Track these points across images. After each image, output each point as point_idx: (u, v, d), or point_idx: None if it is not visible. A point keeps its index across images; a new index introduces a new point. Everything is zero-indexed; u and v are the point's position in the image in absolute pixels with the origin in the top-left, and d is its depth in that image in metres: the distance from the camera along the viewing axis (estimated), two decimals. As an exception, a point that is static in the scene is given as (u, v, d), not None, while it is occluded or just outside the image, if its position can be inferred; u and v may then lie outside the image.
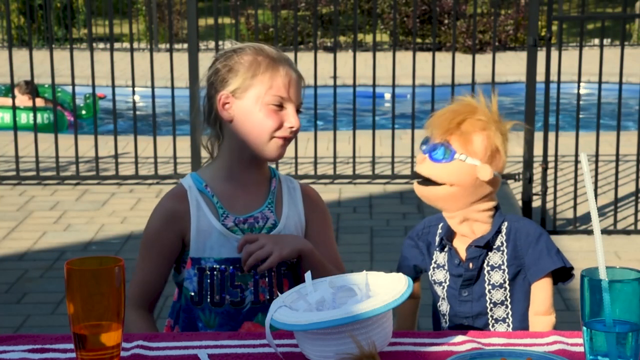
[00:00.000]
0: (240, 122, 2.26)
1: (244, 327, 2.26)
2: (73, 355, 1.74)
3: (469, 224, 2.28)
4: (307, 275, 1.95)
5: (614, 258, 5.36)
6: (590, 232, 5.71)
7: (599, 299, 1.58)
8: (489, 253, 2.28)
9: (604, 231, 5.78)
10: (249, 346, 1.88)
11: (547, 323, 2.26)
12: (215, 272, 2.25)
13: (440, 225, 2.35)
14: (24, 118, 9.60)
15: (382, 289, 1.85)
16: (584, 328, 1.60)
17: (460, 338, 1.90)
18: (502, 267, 2.27)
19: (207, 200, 2.28)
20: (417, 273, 2.39)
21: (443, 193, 2.24)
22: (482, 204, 2.26)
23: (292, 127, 2.26)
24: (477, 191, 2.24)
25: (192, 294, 2.27)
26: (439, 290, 2.33)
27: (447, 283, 2.31)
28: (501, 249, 2.28)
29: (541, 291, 2.27)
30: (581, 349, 1.79)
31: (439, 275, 2.33)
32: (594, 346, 1.59)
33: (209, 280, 2.26)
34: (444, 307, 2.33)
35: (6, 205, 6.57)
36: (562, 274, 2.29)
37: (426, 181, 2.26)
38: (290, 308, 1.85)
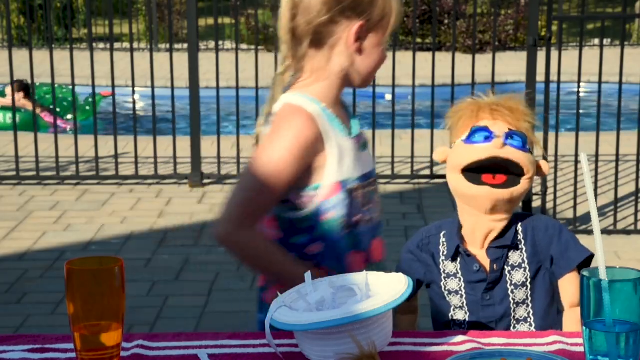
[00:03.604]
0: (366, 55, 2.17)
1: (373, 244, 2.23)
2: (73, 355, 1.74)
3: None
4: (307, 275, 1.95)
5: (614, 258, 5.36)
6: (590, 232, 5.71)
7: (599, 299, 1.58)
8: (508, 253, 2.25)
9: (604, 231, 5.79)
10: (249, 346, 1.88)
11: None
12: (357, 192, 2.18)
13: (442, 234, 2.30)
14: (1, 117, 9.69)
15: (382, 289, 1.85)
16: (584, 328, 1.60)
17: (460, 338, 1.90)
18: (523, 265, 2.24)
19: (329, 121, 2.17)
20: (417, 288, 2.34)
21: (523, 190, 2.22)
22: None
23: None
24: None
25: (344, 218, 2.16)
26: (454, 299, 2.28)
27: (465, 291, 2.26)
28: (520, 247, 2.25)
29: (570, 284, 2.24)
30: (581, 349, 1.78)
31: (453, 285, 2.27)
32: (594, 346, 1.59)
33: (354, 201, 2.17)
34: (459, 315, 2.28)
35: (6, 205, 6.57)
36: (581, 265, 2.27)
37: (492, 172, 2.20)
38: (290, 308, 1.85)
